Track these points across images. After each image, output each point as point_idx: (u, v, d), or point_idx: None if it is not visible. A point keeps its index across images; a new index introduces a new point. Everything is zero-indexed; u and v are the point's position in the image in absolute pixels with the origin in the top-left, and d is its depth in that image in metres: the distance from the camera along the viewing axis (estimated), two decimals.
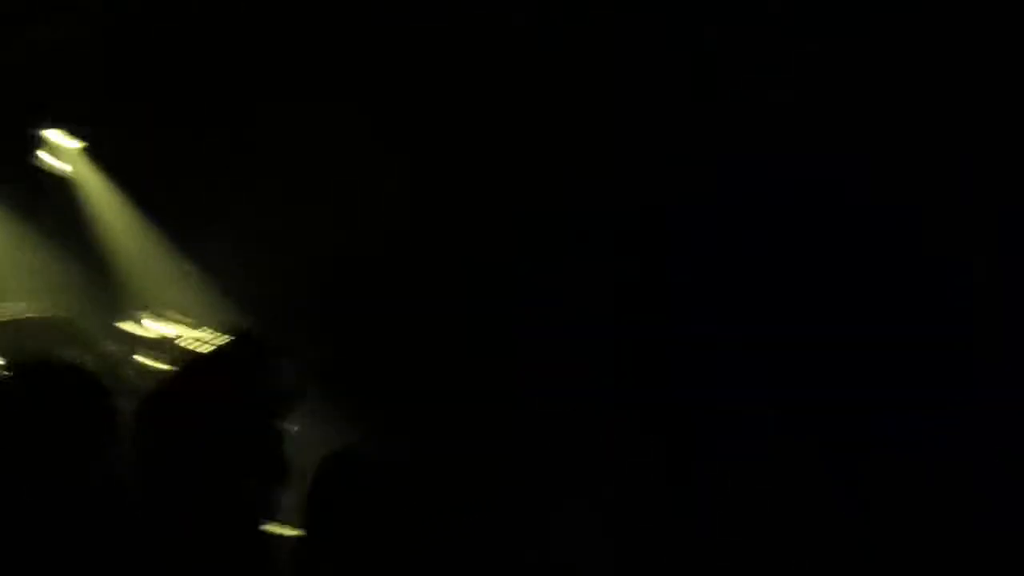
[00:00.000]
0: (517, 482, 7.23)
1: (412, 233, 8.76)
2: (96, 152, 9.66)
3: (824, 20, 7.33)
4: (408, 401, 7.95)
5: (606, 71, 8.10)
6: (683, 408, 7.52)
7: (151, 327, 7.95)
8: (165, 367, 5.54)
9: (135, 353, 8.29)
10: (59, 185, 9.59)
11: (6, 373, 3.16)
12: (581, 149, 8.28)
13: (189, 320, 6.72)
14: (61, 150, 9.57)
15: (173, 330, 5.79)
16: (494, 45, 8.25)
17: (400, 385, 8.17)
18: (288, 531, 6.52)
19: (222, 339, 7.79)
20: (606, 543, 6.92)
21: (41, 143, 9.44)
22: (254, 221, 8.99)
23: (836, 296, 7.35)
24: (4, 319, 8.61)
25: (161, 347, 6.45)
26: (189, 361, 5.31)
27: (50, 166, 9.54)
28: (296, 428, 7.38)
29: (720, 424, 7.32)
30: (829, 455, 6.92)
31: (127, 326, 8.71)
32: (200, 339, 7.52)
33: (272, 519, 4.55)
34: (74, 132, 9.52)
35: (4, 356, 8.13)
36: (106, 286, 9.62)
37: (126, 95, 8.95)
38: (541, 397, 7.81)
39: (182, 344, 5.74)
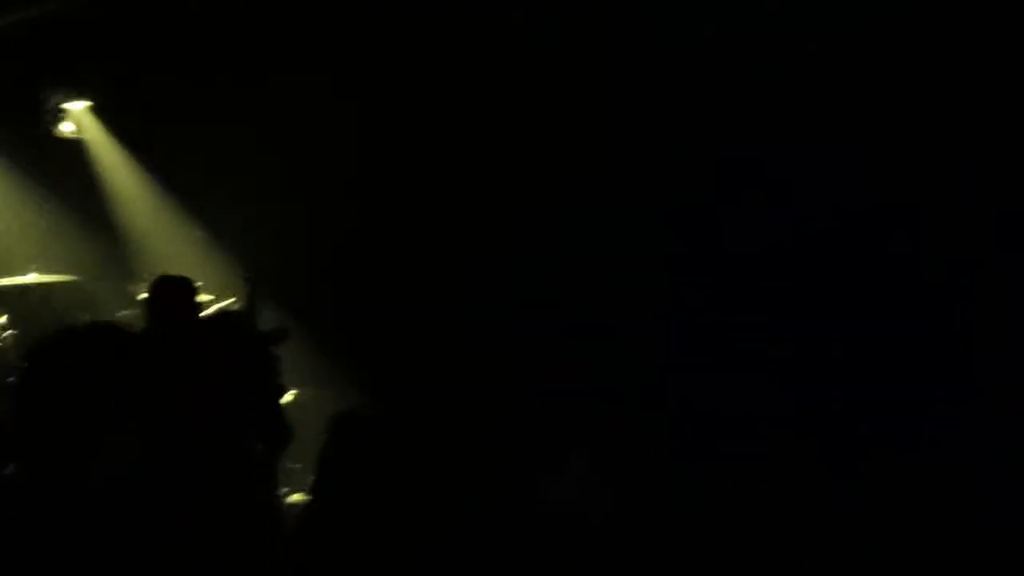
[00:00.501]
0: (515, 479, 7.24)
1: (411, 226, 8.78)
2: (104, 114, 9.67)
3: (823, 19, 7.33)
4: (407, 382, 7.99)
5: (605, 70, 8.12)
6: (681, 408, 7.52)
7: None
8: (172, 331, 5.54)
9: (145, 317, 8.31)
10: (69, 148, 9.60)
11: (11, 332, 3.15)
12: (580, 148, 8.31)
13: (198, 285, 6.74)
14: (70, 113, 9.57)
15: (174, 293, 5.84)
16: (494, 44, 8.27)
17: (402, 374, 8.21)
18: (295, 496, 6.54)
19: (229, 303, 7.81)
20: (604, 539, 6.93)
21: (50, 107, 9.45)
22: (264, 187, 9.00)
23: (836, 296, 7.36)
24: (22, 284, 8.67)
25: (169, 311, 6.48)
26: (196, 324, 5.32)
27: (59, 130, 9.55)
28: (297, 392, 7.39)
29: (719, 424, 7.33)
30: (829, 455, 6.93)
31: (139, 292, 8.74)
32: (209, 303, 7.54)
33: (274, 481, 4.56)
34: (82, 94, 9.52)
35: (23, 319, 8.22)
36: (117, 251, 9.65)
37: (133, 57, 8.93)
38: (539, 396, 7.84)
39: (190, 308, 5.76)
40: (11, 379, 5.79)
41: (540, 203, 8.40)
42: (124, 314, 8.53)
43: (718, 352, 7.56)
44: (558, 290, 8.26)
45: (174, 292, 5.70)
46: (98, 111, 9.65)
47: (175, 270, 6.34)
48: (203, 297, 7.07)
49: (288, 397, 4.28)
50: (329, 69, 8.64)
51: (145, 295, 5.79)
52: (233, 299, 7.66)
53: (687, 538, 6.67)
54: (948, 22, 6.90)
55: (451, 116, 8.63)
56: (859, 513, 6.62)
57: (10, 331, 7.97)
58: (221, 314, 4.63)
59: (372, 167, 8.82)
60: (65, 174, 9.58)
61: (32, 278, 8.85)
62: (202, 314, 5.86)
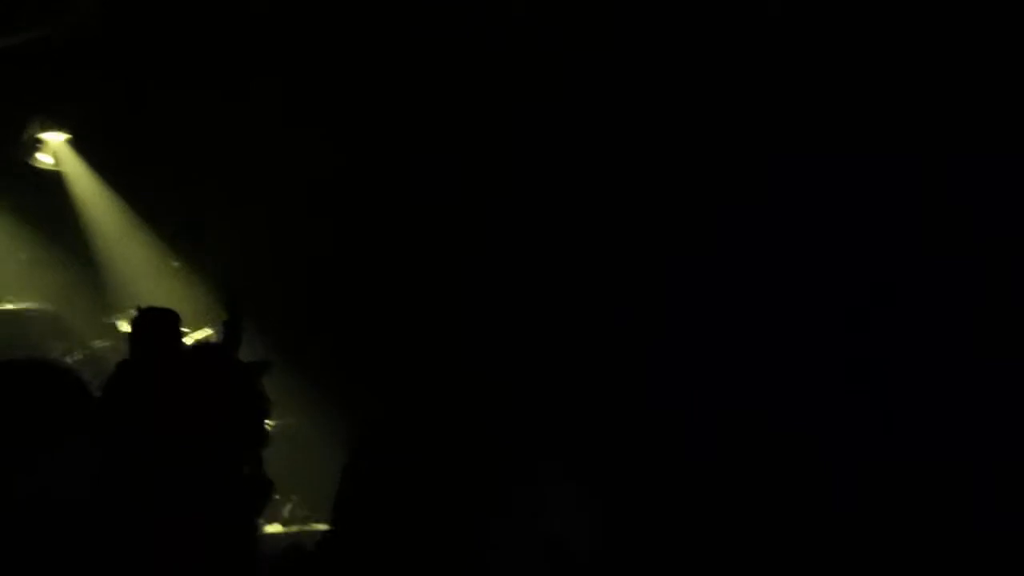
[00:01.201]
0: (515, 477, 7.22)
1: (397, 234, 8.79)
2: (82, 146, 9.66)
3: (823, 20, 7.32)
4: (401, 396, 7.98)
5: (604, 69, 8.11)
6: (680, 408, 7.51)
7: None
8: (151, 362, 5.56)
9: (121, 348, 8.31)
10: (46, 179, 9.59)
11: None
12: (580, 148, 8.29)
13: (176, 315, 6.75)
14: (48, 145, 9.57)
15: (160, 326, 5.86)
16: (494, 43, 8.27)
17: (392, 384, 8.20)
18: (271, 527, 6.53)
19: (207, 334, 7.82)
20: (599, 538, 6.92)
21: (28, 139, 9.45)
22: (241, 216, 9.00)
23: (835, 295, 7.31)
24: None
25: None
26: (174, 354, 5.34)
27: (38, 161, 9.55)
28: (283, 423, 7.39)
29: (718, 424, 7.32)
30: (829, 455, 6.92)
31: (114, 322, 8.74)
32: (187, 333, 7.55)
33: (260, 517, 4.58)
34: (61, 127, 9.52)
35: None
36: (94, 282, 9.63)
37: (112, 89, 8.94)
38: (537, 396, 7.84)
39: (169, 339, 5.78)
40: None
41: (530, 203, 8.38)
42: (99, 344, 8.53)
43: (716, 352, 7.54)
44: (557, 289, 8.26)
45: (159, 325, 5.73)
46: (75, 143, 9.65)
47: (152, 301, 6.36)
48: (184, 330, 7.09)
49: (270, 425, 4.29)
50: (307, 92, 8.64)
51: (127, 327, 5.81)
52: (209, 331, 7.68)
53: (684, 538, 6.66)
54: (949, 23, 6.88)
55: (452, 116, 8.60)
56: (859, 513, 6.63)
57: None
58: (203, 346, 4.65)
59: (349, 186, 8.80)
60: (41, 205, 9.57)
61: (7, 307, 8.84)
62: (183, 346, 5.89)
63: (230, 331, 4.94)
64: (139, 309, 6.73)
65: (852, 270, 7.22)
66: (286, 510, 8.33)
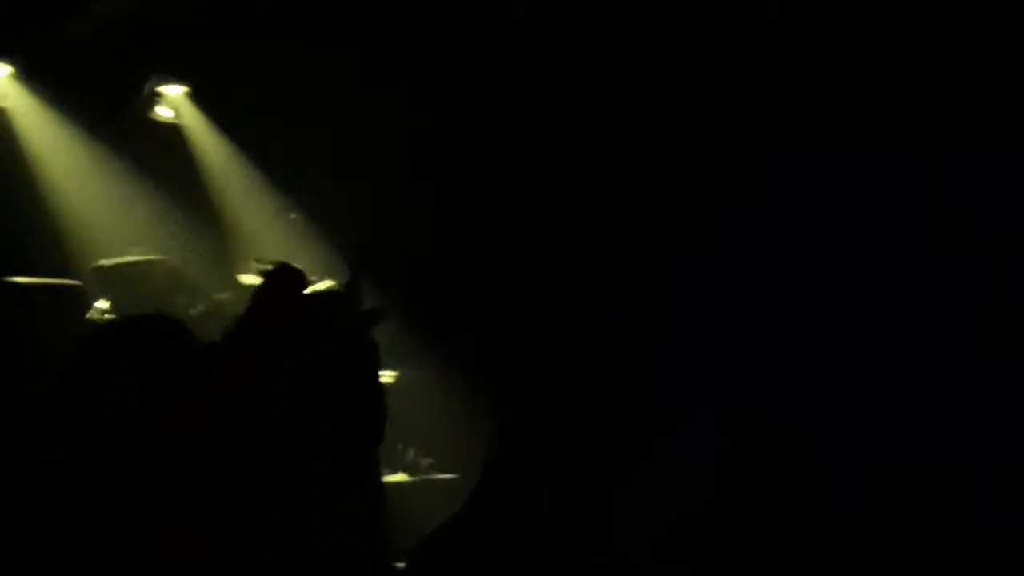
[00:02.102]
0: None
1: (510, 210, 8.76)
2: (202, 98, 9.73)
3: (823, 20, 7.28)
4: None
5: (604, 69, 8.12)
6: (678, 409, 7.45)
7: (258, 277, 8.03)
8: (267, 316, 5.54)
9: (243, 300, 8.35)
10: (165, 133, 9.68)
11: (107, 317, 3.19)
12: (579, 148, 8.29)
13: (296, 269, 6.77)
14: (167, 98, 9.65)
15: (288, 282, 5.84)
16: (494, 43, 8.28)
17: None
18: (396, 476, 6.51)
19: (328, 285, 7.82)
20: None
21: (148, 93, 9.53)
22: (363, 169, 9.01)
23: (835, 295, 7.28)
24: (116, 263, 8.75)
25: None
26: (289, 308, 5.30)
27: (158, 115, 9.63)
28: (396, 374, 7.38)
29: (717, 424, 7.26)
30: (829, 455, 6.85)
31: (236, 275, 8.80)
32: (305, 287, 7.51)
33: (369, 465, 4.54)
34: (179, 78, 9.58)
35: (115, 299, 8.30)
36: (215, 234, 9.71)
37: (231, 39, 8.97)
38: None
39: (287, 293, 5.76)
40: None
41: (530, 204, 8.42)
42: (222, 296, 8.59)
43: (713, 354, 7.49)
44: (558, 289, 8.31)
45: (288, 280, 5.70)
46: (194, 96, 9.72)
47: (271, 253, 6.37)
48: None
49: (387, 379, 4.26)
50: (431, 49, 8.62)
51: (247, 279, 5.80)
52: (331, 281, 7.67)
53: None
54: (949, 22, 6.89)
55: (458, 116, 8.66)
56: (859, 513, 6.58)
57: (108, 316, 8.06)
58: (323, 294, 4.61)
59: (476, 144, 8.80)
60: (162, 158, 9.65)
61: (129, 260, 8.93)
62: (305, 294, 5.87)
63: (351, 285, 4.89)
64: (257, 261, 6.70)
65: (852, 270, 7.24)
66: (408, 458, 8.41)
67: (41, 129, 9.20)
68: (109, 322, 2.85)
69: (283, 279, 5.18)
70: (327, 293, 4.58)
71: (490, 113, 8.66)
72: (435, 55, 8.61)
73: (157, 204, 9.51)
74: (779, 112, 7.46)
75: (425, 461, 8.47)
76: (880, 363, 7.01)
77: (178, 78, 9.55)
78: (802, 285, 7.29)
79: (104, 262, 8.79)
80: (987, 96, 6.86)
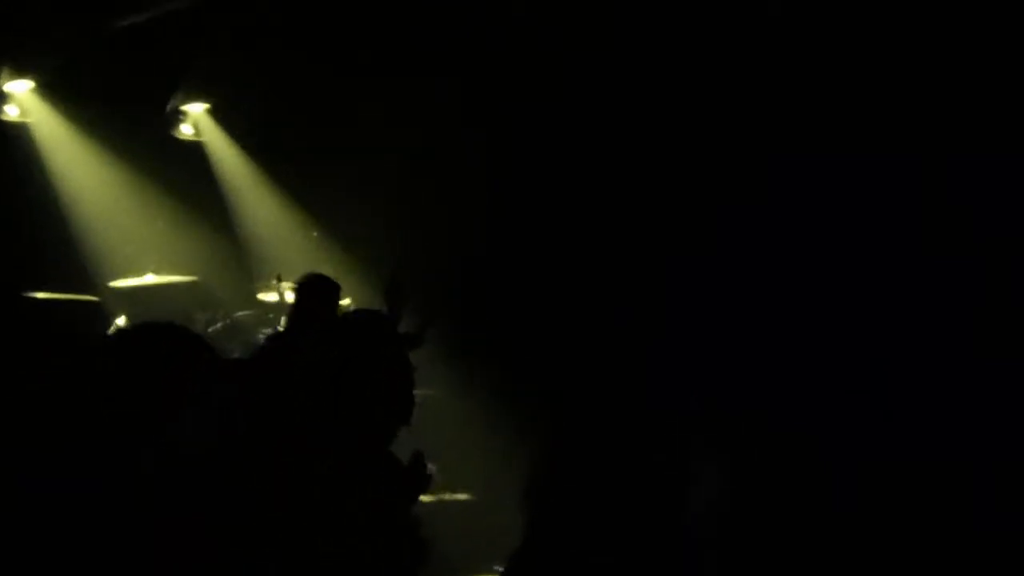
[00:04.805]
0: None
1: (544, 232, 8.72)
2: (224, 116, 9.72)
3: (823, 20, 7.24)
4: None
5: (604, 69, 8.10)
6: (678, 409, 7.40)
7: (281, 294, 8.01)
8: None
9: (263, 318, 8.33)
10: (187, 150, 9.68)
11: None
12: (579, 148, 8.29)
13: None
14: (189, 116, 9.65)
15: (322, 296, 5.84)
16: (494, 43, 8.28)
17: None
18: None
19: (346, 303, 7.76)
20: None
21: (171, 111, 9.53)
22: (387, 188, 8.99)
23: (835, 295, 7.25)
24: (135, 285, 8.74)
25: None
26: (313, 328, 5.25)
27: (181, 132, 9.63)
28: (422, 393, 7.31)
29: (717, 424, 7.23)
30: (829, 455, 6.82)
31: (258, 292, 8.77)
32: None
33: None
34: (202, 97, 9.58)
35: (133, 316, 8.28)
36: (236, 251, 9.70)
37: (253, 58, 8.98)
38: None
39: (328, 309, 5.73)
40: None
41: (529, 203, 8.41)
42: (243, 314, 8.55)
43: (713, 354, 7.52)
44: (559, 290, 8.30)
45: (321, 292, 5.67)
46: (215, 113, 9.71)
47: (292, 270, 6.32)
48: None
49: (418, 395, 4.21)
50: (459, 72, 8.62)
51: (267, 296, 5.75)
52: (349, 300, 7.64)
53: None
54: (949, 22, 6.86)
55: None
56: (858, 513, 6.56)
57: None
58: (363, 312, 4.57)
59: (505, 164, 8.78)
60: (183, 176, 9.65)
61: (150, 279, 8.91)
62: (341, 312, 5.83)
63: (391, 302, 4.86)
64: (278, 280, 6.60)
65: (852, 270, 7.23)
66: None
67: (63, 144, 9.20)
68: (126, 328, 2.84)
69: (318, 286, 5.15)
70: (370, 312, 4.54)
71: (490, 113, 8.66)
72: (435, 55, 8.60)
73: (178, 221, 9.49)
74: (779, 112, 7.46)
75: (441, 480, 8.38)
76: (880, 363, 7.00)
77: (201, 95, 9.55)
78: (802, 285, 7.28)
79: (123, 283, 8.78)
80: (987, 96, 6.83)
